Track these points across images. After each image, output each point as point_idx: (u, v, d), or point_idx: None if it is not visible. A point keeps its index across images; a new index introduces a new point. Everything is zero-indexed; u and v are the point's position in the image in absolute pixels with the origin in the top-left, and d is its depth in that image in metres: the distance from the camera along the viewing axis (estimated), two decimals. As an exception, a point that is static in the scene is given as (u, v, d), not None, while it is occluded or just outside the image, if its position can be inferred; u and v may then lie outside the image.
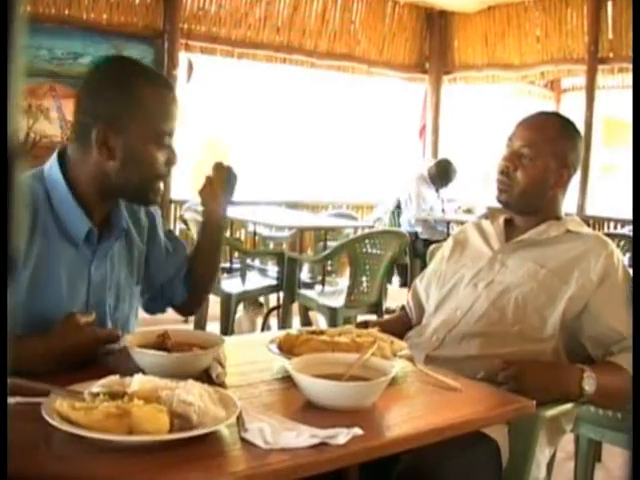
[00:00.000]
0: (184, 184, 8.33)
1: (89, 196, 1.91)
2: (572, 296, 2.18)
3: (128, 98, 1.85)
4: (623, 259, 2.28)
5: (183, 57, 7.08)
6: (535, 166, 2.29)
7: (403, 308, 2.65)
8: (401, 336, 2.21)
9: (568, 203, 2.48)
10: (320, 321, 5.38)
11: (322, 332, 1.93)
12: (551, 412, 2.02)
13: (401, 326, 2.47)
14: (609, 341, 2.15)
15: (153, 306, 2.27)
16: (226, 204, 2.17)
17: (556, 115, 2.50)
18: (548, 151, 2.29)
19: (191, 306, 2.35)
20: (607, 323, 2.15)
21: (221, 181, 2.14)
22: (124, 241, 2.04)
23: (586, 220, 7.59)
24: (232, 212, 5.69)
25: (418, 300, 2.57)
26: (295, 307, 5.31)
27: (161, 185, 1.97)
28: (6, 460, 0.64)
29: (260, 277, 5.65)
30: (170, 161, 1.95)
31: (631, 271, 2.24)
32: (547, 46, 8.36)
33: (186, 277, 2.24)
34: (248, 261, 5.92)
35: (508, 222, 2.45)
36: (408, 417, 1.62)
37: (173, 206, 7.37)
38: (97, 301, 1.96)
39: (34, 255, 1.83)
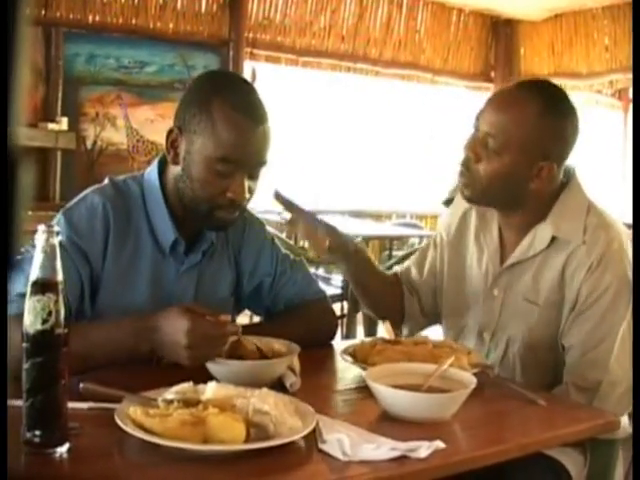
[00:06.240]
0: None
1: (177, 204, 1.88)
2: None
3: (202, 110, 1.78)
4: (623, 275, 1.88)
5: (248, 65, 7.09)
6: (501, 161, 1.90)
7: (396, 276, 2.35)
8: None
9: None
10: (382, 331, 5.31)
11: (397, 342, 1.88)
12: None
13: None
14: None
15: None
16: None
17: (540, 88, 1.99)
18: (518, 141, 1.89)
19: None
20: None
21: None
22: (215, 258, 1.99)
23: None
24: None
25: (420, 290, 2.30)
26: (359, 317, 5.26)
27: (231, 215, 1.84)
28: (6, 460, 0.62)
29: (325, 286, 5.55)
30: (229, 192, 1.80)
31: (630, 273, 1.95)
32: (616, 54, 8.17)
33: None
34: (312, 270, 5.88)
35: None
36: (489, 431, 1.56)
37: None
38: None
39: (125, 255, 1.84)
